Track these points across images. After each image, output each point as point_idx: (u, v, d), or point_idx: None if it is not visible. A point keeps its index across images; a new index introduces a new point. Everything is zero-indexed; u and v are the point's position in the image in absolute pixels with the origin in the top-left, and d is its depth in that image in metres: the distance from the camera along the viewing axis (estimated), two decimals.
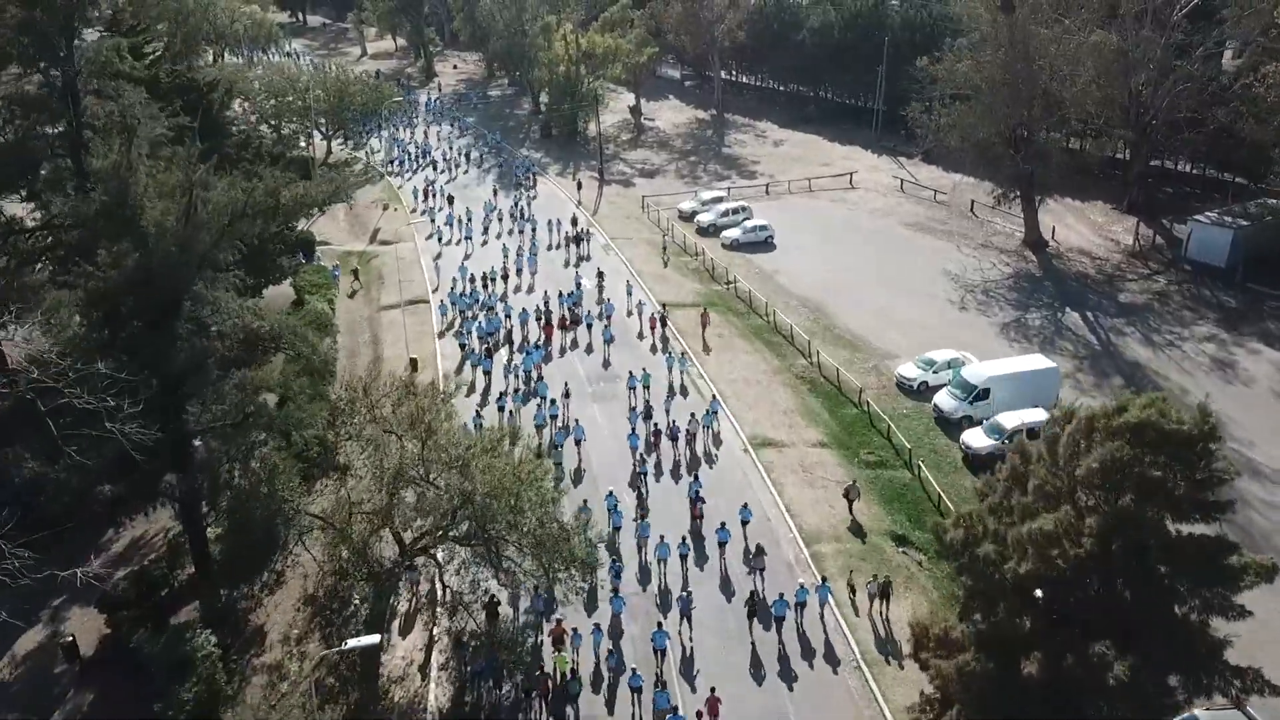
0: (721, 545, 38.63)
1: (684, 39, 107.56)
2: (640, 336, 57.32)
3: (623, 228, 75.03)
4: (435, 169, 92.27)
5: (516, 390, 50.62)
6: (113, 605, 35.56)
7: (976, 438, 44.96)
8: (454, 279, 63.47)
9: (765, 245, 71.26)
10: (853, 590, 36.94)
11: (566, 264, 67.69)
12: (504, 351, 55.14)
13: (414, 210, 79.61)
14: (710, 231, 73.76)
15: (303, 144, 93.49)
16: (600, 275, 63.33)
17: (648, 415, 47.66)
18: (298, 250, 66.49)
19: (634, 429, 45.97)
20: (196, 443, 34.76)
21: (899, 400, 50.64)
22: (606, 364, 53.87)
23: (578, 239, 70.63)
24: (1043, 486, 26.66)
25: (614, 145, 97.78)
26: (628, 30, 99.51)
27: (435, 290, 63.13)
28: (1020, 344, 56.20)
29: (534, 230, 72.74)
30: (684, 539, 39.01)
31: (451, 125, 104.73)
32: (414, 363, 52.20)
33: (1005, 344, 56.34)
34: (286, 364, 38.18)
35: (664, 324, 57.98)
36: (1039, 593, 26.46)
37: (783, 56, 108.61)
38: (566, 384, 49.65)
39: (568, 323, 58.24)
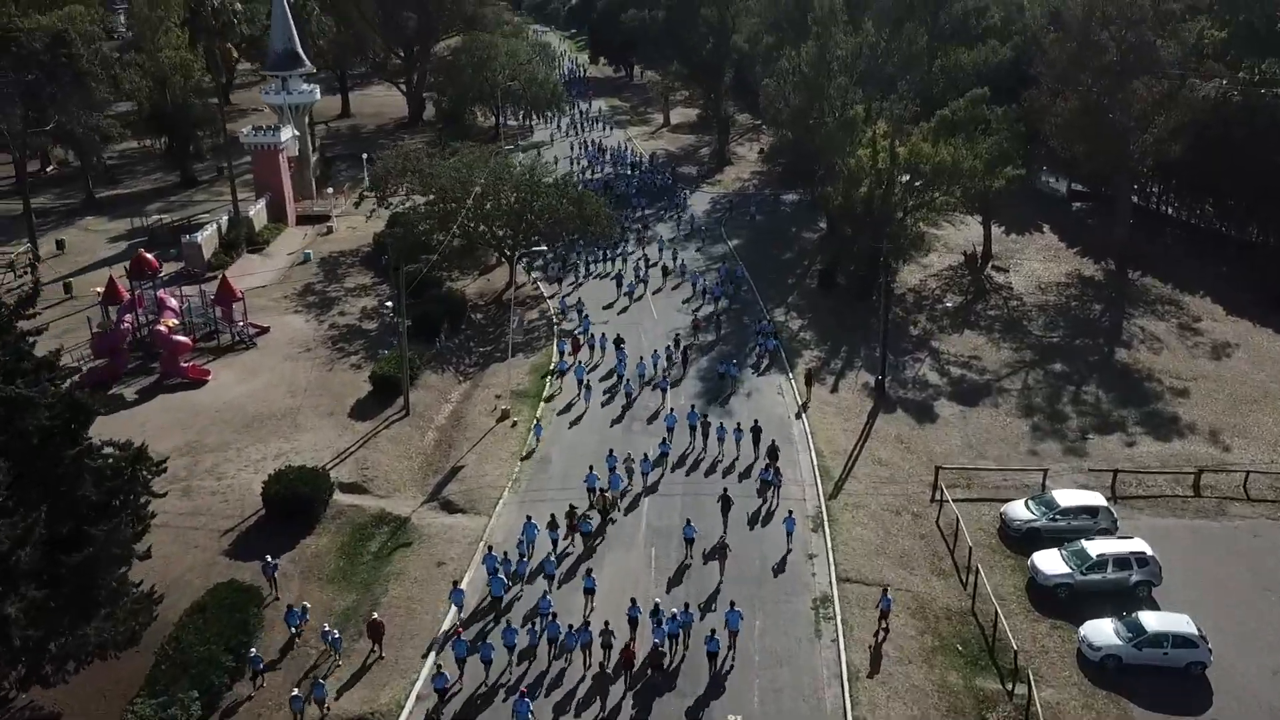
0: None
1: (1078, 149, 65.94)
2: None
3: (875, 550, 36.96)
4: (619, 285, 61.55)
5: None
6: None
7: None
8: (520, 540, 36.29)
9: (1184, 678, 30.34)
10: None
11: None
12: None
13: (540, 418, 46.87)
14: (1059, 595, 33.98)
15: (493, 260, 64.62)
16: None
17: None
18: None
19: None
20: None
21: None
22: None
23: (768, 481, 39.90)
24: None
25: (927, 318, 58.87)
26: (978, 136, 60.08)
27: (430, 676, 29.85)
28: None
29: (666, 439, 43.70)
30: None
31: (700, 248, 70.80)
32: None
33: None
34: None
35: None
36: None
37: (1245, 185, 63.75)
38: None
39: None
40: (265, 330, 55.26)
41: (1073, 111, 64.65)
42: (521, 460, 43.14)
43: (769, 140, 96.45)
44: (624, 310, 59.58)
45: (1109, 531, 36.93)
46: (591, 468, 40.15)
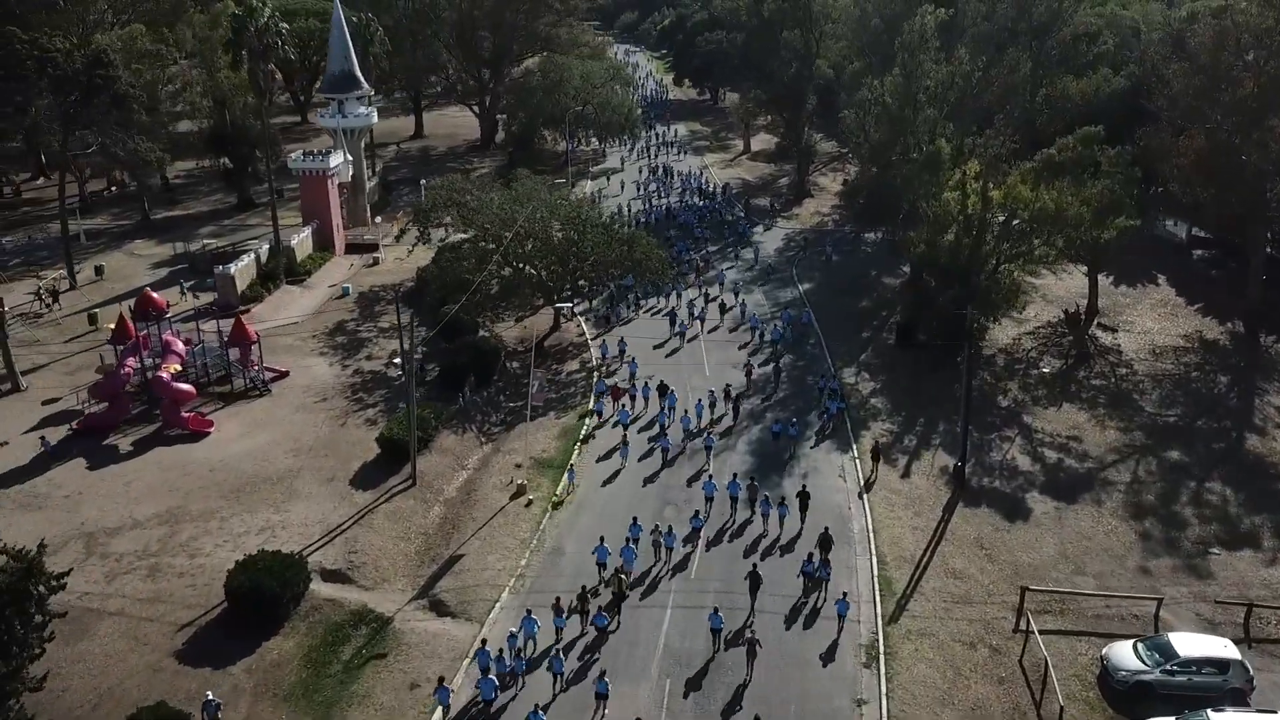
0: None
1: (1204, 194, 57.38)
2: None
3: (940, 698, 29.85)
4: (672, 322, 57.09)
5: None
6: None
7: None
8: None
9: None
10: None
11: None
12: None
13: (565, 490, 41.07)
14: None
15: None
16: None
17: None
18: None
19: None
20: None
21: None
22: None
23: (812, 574, 34.42)
24: None
25: (1019, 386, 51.03)
26: (1087, 179, 52.15)
27: None
28: None
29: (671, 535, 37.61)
30: None
31: (767, 290, 64.35)
32: None
33: None
34: None
35: None
36: None
37: None
38: None
39: None
40: (283, 375, 50.82)
41: (1199, 152, 56.25)
42: (553, 508, 39.47)
43: (854, 170, 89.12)
44: (673, 352, 54.81)
45: (1242, 694, 29.22)
46: (603, 539, 35.32)
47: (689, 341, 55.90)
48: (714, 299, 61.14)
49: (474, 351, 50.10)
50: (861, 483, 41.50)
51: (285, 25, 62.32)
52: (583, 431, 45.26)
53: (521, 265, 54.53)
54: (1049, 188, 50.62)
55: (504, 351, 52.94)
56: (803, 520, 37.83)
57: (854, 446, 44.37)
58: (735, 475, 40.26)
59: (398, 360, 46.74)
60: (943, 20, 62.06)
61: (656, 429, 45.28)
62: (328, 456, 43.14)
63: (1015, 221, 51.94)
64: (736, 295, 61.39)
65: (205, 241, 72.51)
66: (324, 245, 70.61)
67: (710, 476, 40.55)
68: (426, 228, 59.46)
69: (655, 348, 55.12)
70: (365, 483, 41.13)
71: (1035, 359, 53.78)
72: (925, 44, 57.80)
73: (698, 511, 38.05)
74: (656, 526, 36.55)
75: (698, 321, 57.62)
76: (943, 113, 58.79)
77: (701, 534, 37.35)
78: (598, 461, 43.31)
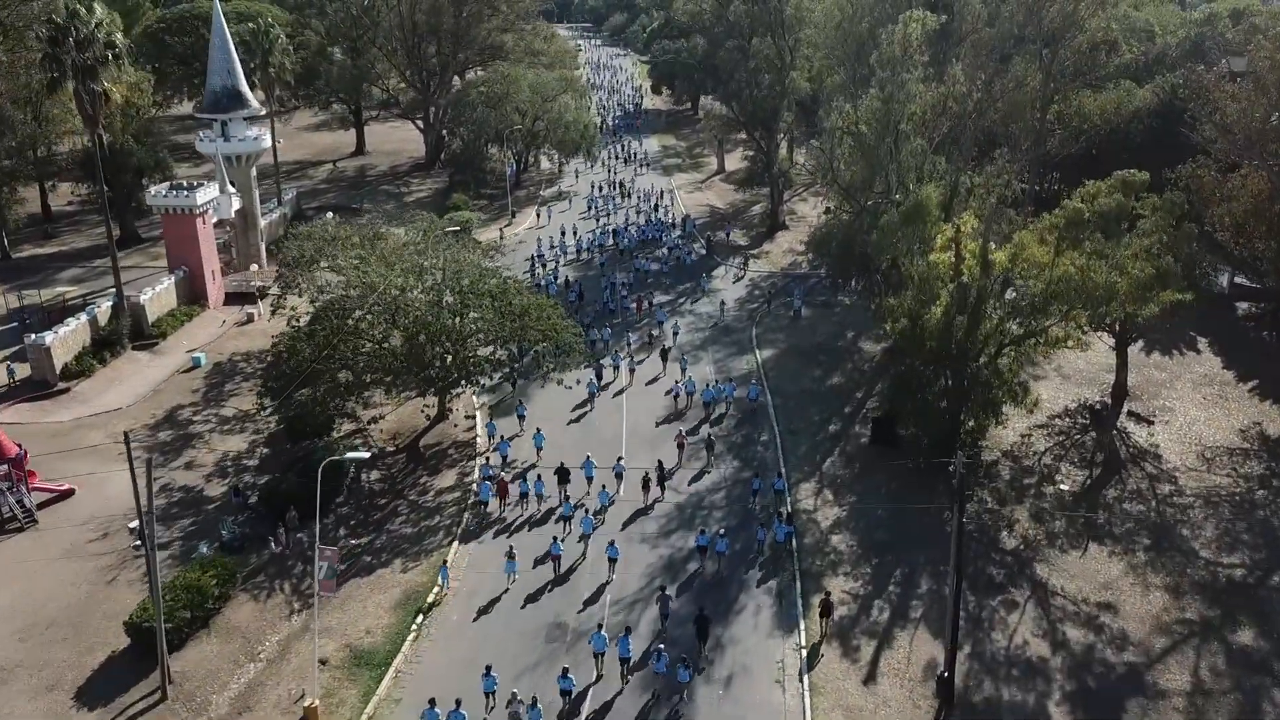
0: None
1: (1263, 246, 44.20)
2: None
3: None
4: (599, 376, 48.09)
5: None
6: None
7: None
8: None
9: None
10: None
11: None
12: None
13: None
14: None
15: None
16: None
17: None
18: None
19: None
20: None
21: None
22: None
23: None
24: None
25: (1030, 513, 37.74)
26: (1123, 239, 38.84)
27: None
28: None
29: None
30: None
31: (719, 358, 51.46)
32: None
33: None
34: None
35: None
36: None
37: None
38: None
39: None
40: (64, 495, 38.05)
41: (1257, 195, 43.11)
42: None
43: (835, 201, 75.71)
44: (585, 415, 44.76)
45: None
46: (433, 701, 26.21)
47: (614, 397, 45.96)
48: (657, 337, 52.84)
49: (302, 468, 36.90)
50: (807, 651, 29.19)
51: (119, 35, 49.24)
52: (428, 604, 32.04)
53: (390, 341, 41.57)
54: (1071, 246, 37.40)
55: (353, 462, 39.67)
56: (701, 646, 29.64)
57: (802, 624, 31.33)
58: (628, 630, 29.53)
59: (134, 525, 33.60)
60: (936, 28, 48.76)
61: (561, 522, 36.45)
62: (66, 641, 30.33)
63: (1020, 288, 38.95)
64: (676, 332, 52.84)
65: (61, 289, 59.86)
66: (194, 298, 57.78)
67: (600, 627, 29.86)
68: (285, 291, 46.56)
69: (574, 409, 45.04)
70: (99, 692, 28.27)
71: (1049, 469, 40.53)
72: (910, 58, 44.46)
73: (566, 669, 28.11)
74: (514, 695, 26.48)
75: (629, 373, 48.14)
76: (932, 144, 45.52)
77: (585, 704, 27.32)
78: (466, 556, 31.18)
